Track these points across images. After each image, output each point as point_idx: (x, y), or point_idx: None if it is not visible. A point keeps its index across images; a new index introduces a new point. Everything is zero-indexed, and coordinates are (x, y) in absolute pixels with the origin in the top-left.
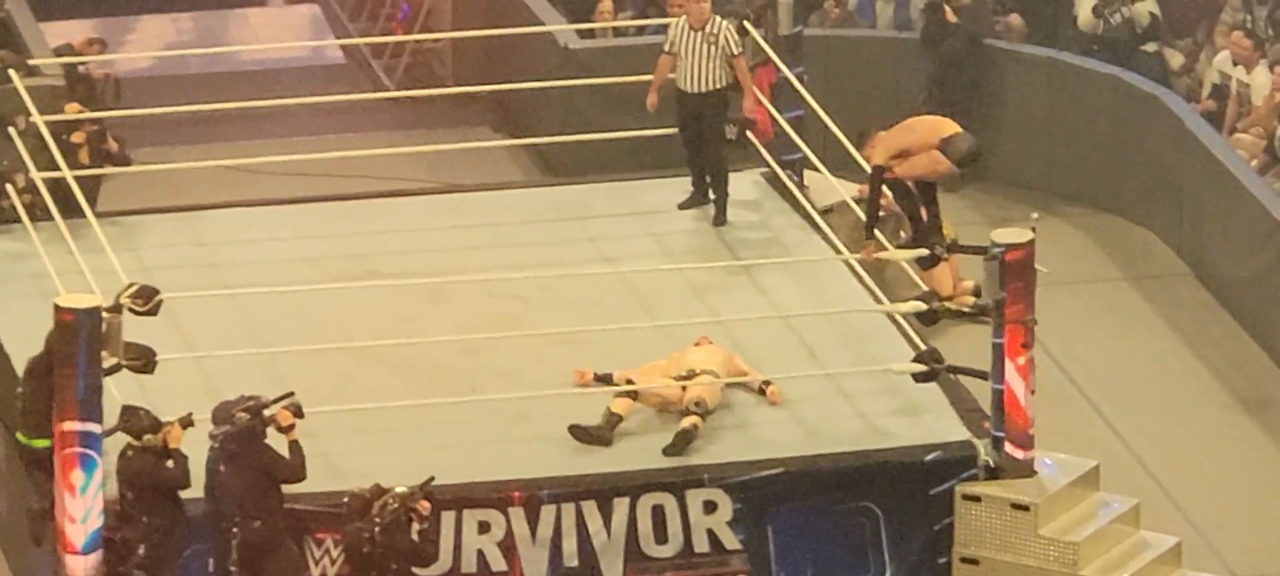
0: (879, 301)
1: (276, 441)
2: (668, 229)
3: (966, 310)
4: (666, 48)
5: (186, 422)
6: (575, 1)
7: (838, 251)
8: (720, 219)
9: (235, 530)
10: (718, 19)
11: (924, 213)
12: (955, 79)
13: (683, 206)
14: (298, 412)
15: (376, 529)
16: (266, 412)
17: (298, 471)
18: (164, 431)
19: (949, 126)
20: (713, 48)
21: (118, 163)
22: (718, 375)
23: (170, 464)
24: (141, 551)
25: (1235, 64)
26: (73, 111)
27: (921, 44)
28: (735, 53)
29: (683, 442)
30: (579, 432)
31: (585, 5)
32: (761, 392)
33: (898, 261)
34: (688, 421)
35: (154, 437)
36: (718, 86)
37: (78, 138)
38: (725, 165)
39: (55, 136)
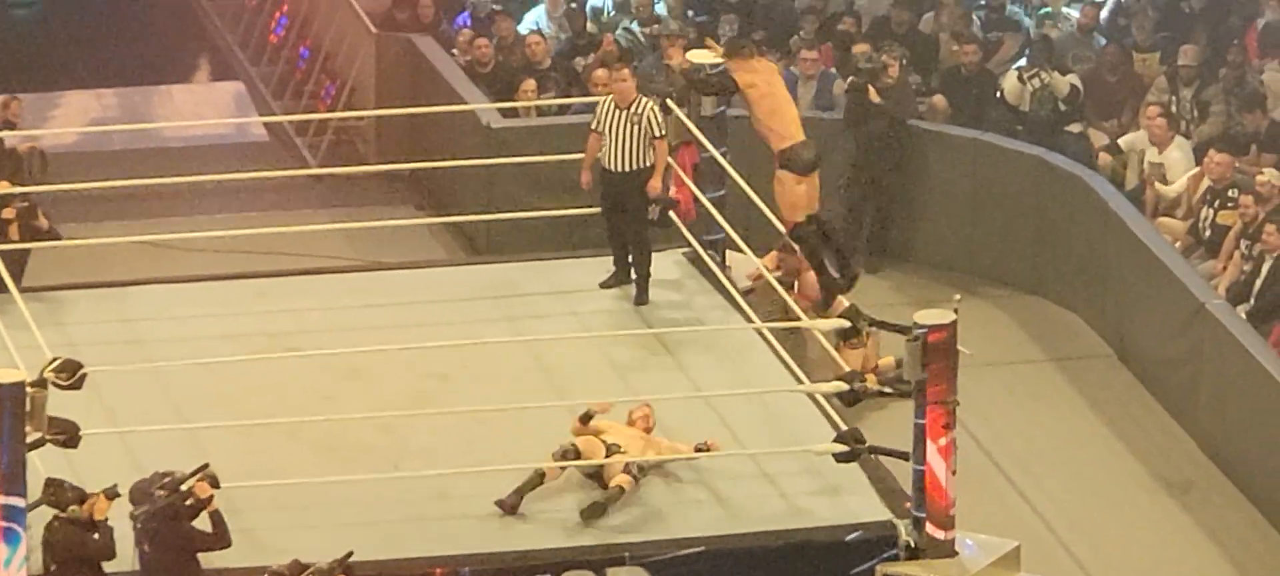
0: (800, 381)
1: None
2: (589, 308)
3: (889, 390)
4: (594, 126)
5: (112, 494)
6: (498, 80)
7: (759, 331)
8: (642, 298)
9: None
10: (643, 99)
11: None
12: (878, 160)
13: (604, 285)
14: (214, 483)
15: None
16: (184, 487)
17: (222, 539)
18: (89, 503)
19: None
20: (636, 128)
21: (46, 238)
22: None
23: (96, 535)
24: None
25: (1151, 143)
26: (1, 188)
27: (844, 124)
28: (657, 134)
29: (604, 507)
30: (587, 512)
31: (508, 84)
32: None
33: (820, 343)
34: (621, 480)
35: (79, 509)
36: (641, 166)
37: (8, 213)
38: (648, 244)
39: None
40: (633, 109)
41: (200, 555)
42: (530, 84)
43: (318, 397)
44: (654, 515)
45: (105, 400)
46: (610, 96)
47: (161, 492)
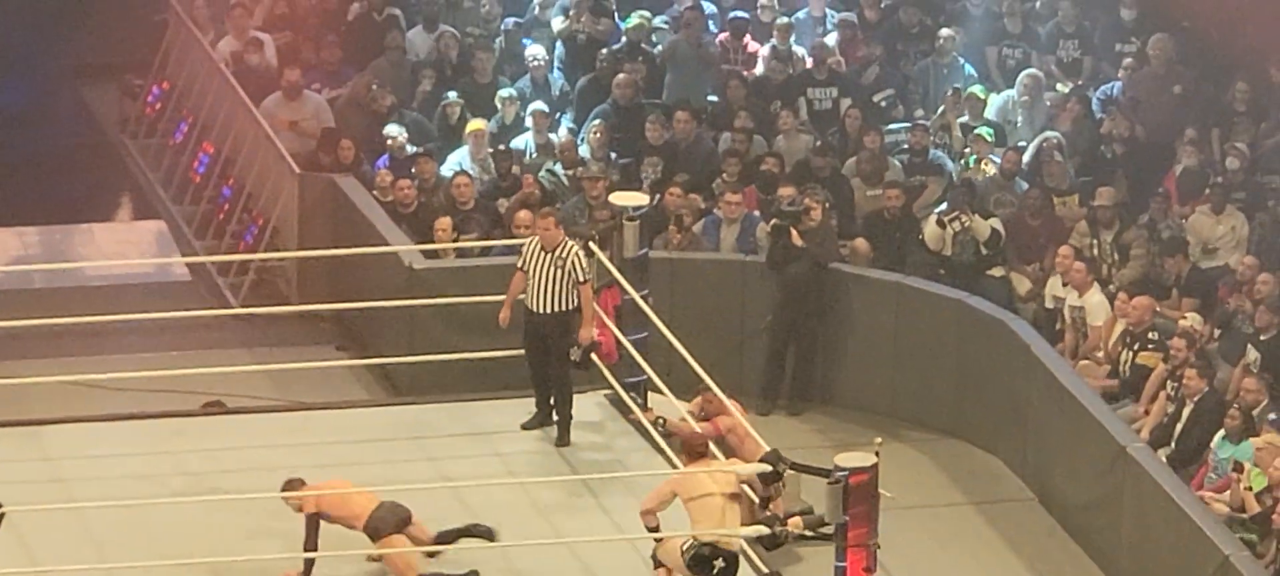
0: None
1: None
2: (510, 449)
3: (810, 533)
4: (519, 265)
5: None
6: (420, 221)
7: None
8: (563, 439)
9: None
10: (568, 243)
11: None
12: (801, 302)
13: (526, 426)
14: None
15: None
16: None
17: None
18: None
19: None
20: (561, 271)
21: None
22: None
23: None
24: None
25: (1065, 285)
26: None
27: (767, 266)
28: (582, 279)
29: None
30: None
31: (430, 225)
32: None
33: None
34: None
35: None
36: (565, 309)
37: None
38: (570, 386)
39: None
40: (557, 252)
41: None
42: (445, 222)
43: (239, 537)
44: None
45: (25, 540)
46: (536, 238)
47: None
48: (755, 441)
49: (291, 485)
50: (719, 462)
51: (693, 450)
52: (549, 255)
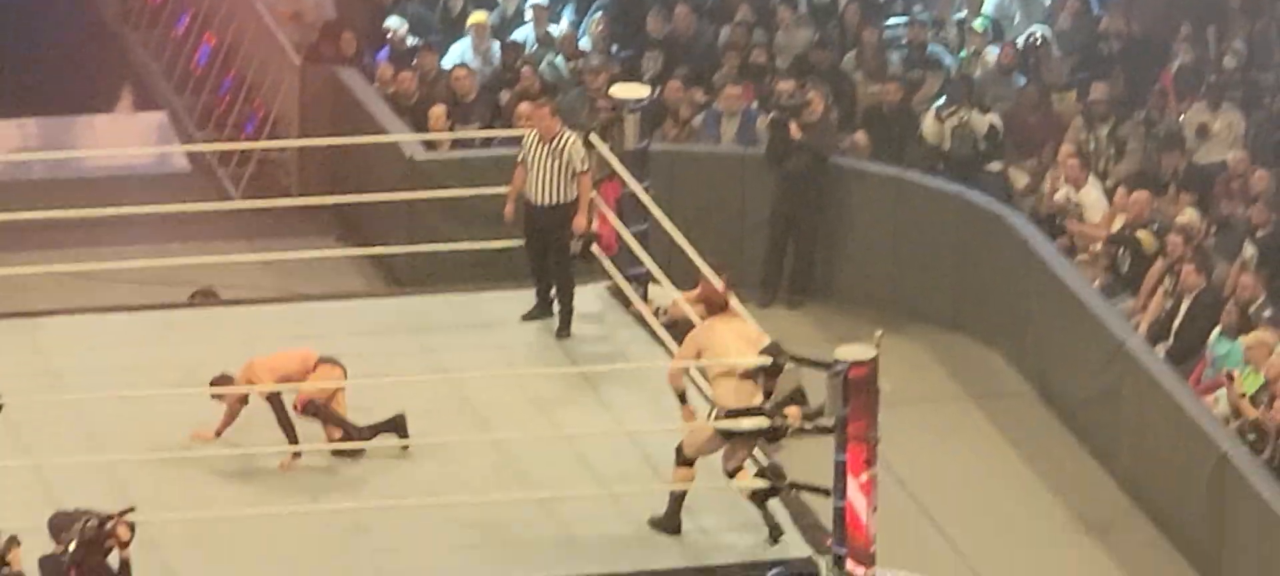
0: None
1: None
2: (510, 341)
3: (810, 426)
4: (519, 159)
5: (16, 542)
6: (421, 114)
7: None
8: (564, 331)
9: None
10: (566, 133)
11: None
12: (800, 196)
13: (526, 318)
14: (131, 528)
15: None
16: (107, 526)
17: None
18: (9, 550)
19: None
20: (559, 162)
21: None
22: None
23: None
24: None
25: (1065, 182)
26: None
27: (766, 161)
28: (580, 169)
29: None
30: (655, 523)
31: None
32: None
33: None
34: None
35: None
36: (564, 200)
37: None
38: (571, 278)
39: None
40: (555, 143)
41: None
42: (439, 111)
43: (235, 430)
44: (574, 549)
45: (20, 433)
46: (534, 130)
47: (90, 525)
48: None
49: (222, 380)
50: (739, 320)
51: (713, 304)
52: (547, 146)
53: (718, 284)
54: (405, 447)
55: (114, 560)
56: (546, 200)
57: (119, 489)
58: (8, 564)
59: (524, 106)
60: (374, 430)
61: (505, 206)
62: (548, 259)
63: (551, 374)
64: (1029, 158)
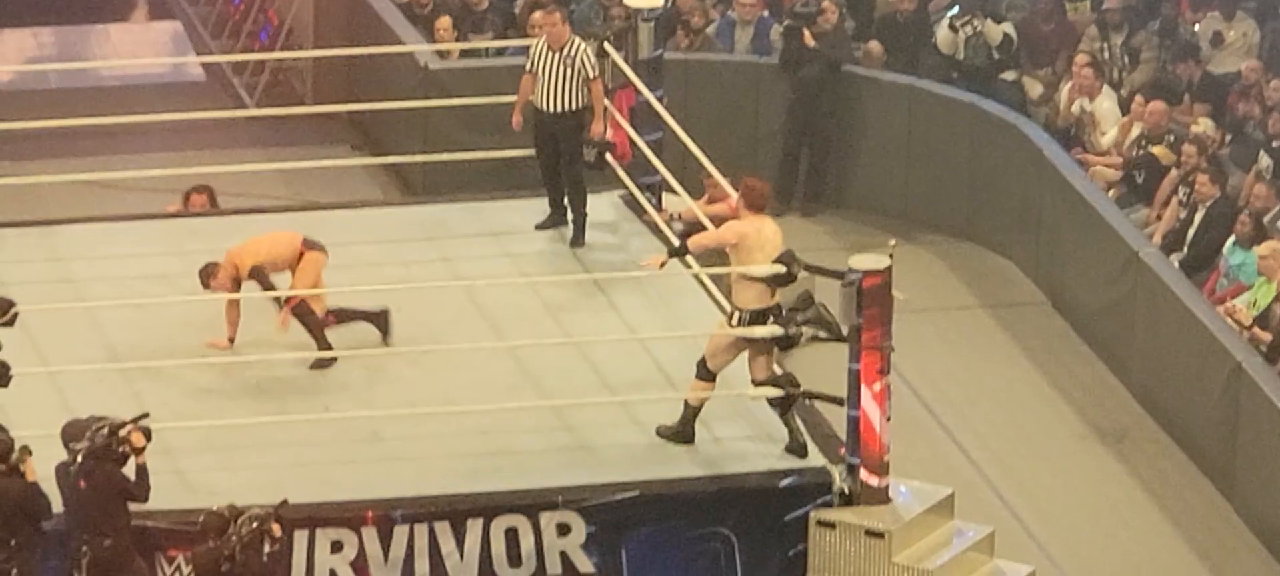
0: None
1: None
2: (524, 249)
3: (824, 335)
4: (528, 67)
5: (28, 451)
6: (435, 22)
7: (696, 274)
8: (578, 240)
9: (85, 548)
10: (576, 40)
11: None
12: (813, 105)
13: (540, 227)
14: (147, 435)
15: (236, 548)
16: (121, 432)
17: (144, 493)
18: (24, 463)
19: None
20: (570, 69)
21: None
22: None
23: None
24: (14, 573)
25: (1080, 92)
26: None
27: (780, 69)
28: (591, 75)
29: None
30: (667, 433)
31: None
32: None
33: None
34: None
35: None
36: (575, 108)
37: None
38: (583, 186)
39: None
40: (566, 50)
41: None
42: (445, 21)
43: (250, 338)
44: (587, 458)
45: (36, 340)
46: (543, 38)
47: (101, 433)
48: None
49: (208, 271)
50: (772, 221)
51: (754, 198)
52: (557, 54)
53: (730, 191)
54: (386, 343)
55: (130, 468)
56: (557, 108)
57: (134, 397)
58: (22, 471)
59: (536, 15)
60: (358, 314)
61: (512, 115)
62: (559, 167)
63: (565, 282)
64: (1043, 67)
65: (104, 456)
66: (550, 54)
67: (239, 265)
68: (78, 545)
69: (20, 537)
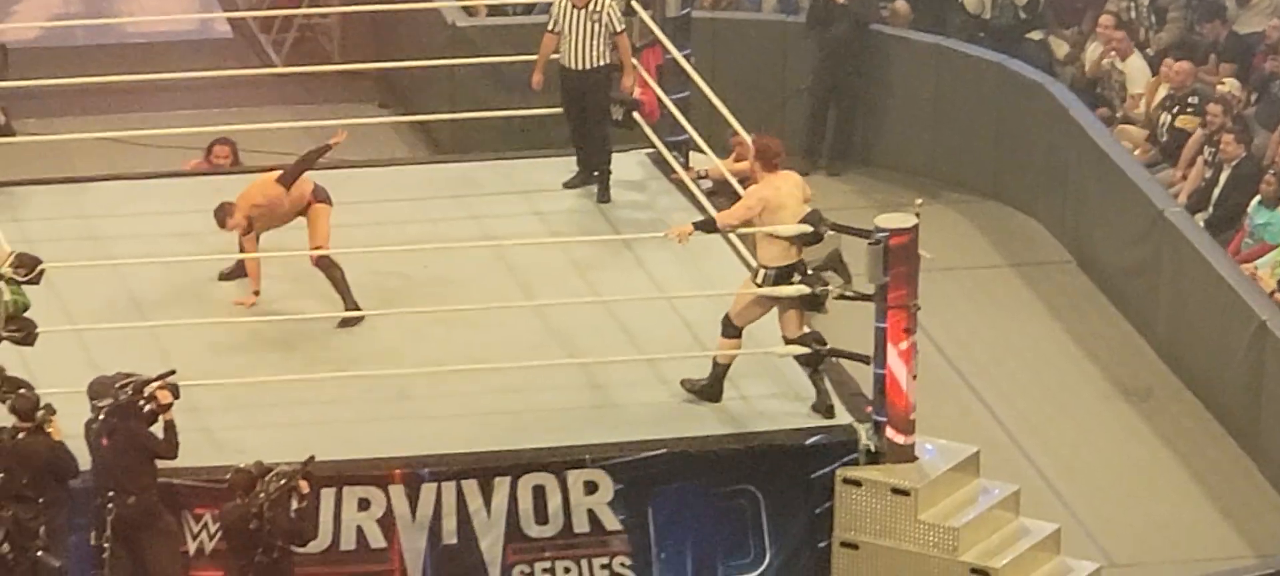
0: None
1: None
2: (551, 208)
3: (850, 293)
4: (550, 26)
5: (52, 410)
6: None
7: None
8: (603, 196)
9: (111, 505)
10: None
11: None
12: (841, 63)
13: (568, 185)
14: (175, 392)
15: (264, 506)
16: (147, 390)
17: (171, 450)
18: (46, 418)
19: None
20: (596, 26)
21: (2, 133)
22: None
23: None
24: (42, 531)
25: (1109, 53)
26: None
27: (807, 26)
28: (618, 30)
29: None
30: (695, 389)
31: None
32: None
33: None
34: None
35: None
36: (600, 65)
37: None
38: (609, 142)
39: None
40: (591, 7)
41: None
42: None
43: (277, 295)
44: (614, 416)
45: (62, 297)
46: None
47: (126, 390)
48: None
49: (223, 210)
50: (794, 175)
51: (768, 158)
52: (583, 11)
53: (751, 147)
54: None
55: (158, 426)
56: (582, 65)
57: (161, 355)
58: (48, 431)
59: None
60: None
61: (533, 75)
62: (586, 124)
63: (593, 240)
64: (1069, 26)
65: (129, 414)
66: (574, 11)
67: (240, 208)
68: (102, 503)
69: (47, 495)
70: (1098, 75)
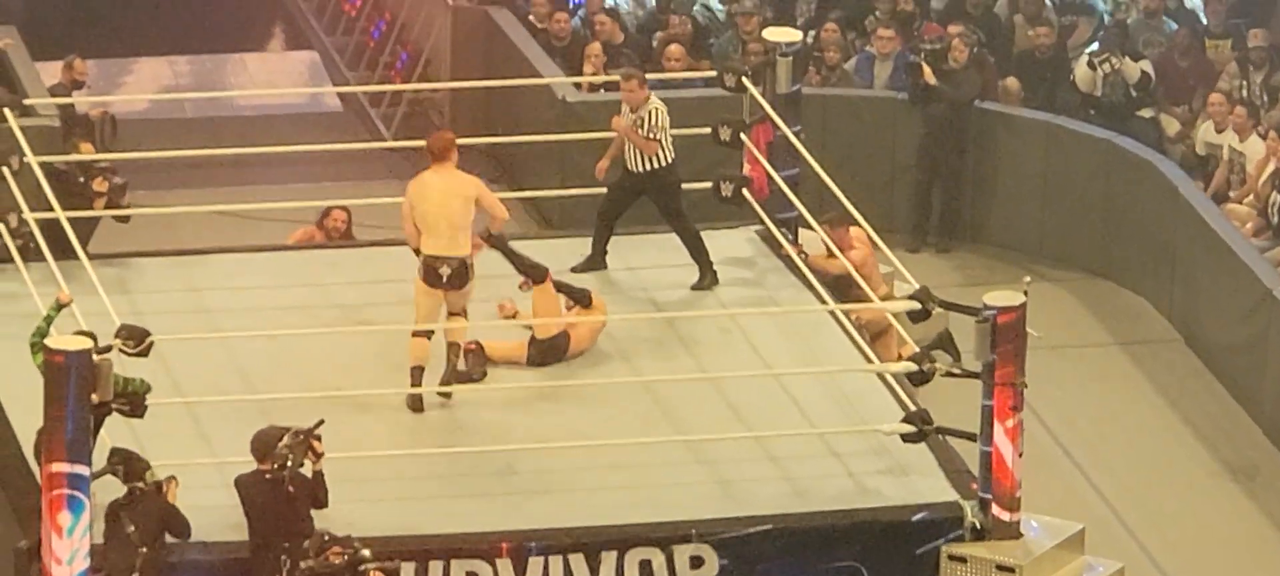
0: (870, 360)
1: None
2: (659, 283)
3: (958, 371)
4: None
5: (175, 481)
6: (573, 54)
7: (831, 311)
8: (702, 282)
9: (284, 556)
10: (651, 98)
11: None
12: (942, 142)
13: (577, 270)
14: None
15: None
16: (301, 437)
17: (322, 498)
18: (167, 485)
19: None
20: (642, 128)
21: (113, 205)
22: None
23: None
24: None
25: (1219, 131)
26: (86, 152)
27: (909, 105)
28: (647, 136)
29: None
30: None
31: (582, 58)
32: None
33: (893, 323)
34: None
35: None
36: (654, 167)
37: (100, 186)
38: (696, 233)
39: (70, 179)
40: (639, 111)
41: None
42: (596, 47)
43: (387, 370)
44: (721, 492)
45: (172, 370)
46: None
47: (300, 438)
48: (880, 277)
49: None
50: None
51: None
52: (634, 116)
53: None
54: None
55: (308, 470)
56: (636, 166)
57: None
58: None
59: (675, 49)
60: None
61: (600, 162)
62: (613, 216)
63: (700, 317)
64: (1180, 104)
65: (295, 469)
66: (631, 115)
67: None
68: (276, 554)
69: (151, 548)
70: (1210, 154)
